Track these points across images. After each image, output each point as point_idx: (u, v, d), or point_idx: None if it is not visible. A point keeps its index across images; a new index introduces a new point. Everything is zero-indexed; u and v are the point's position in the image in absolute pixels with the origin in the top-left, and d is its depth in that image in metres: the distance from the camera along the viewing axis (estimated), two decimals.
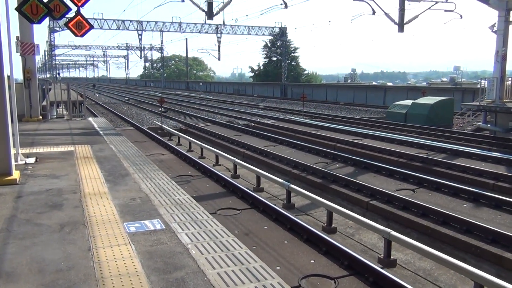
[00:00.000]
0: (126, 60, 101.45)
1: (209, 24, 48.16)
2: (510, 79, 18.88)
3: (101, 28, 45.63)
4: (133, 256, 3.78)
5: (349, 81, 68.42)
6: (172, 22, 48.20)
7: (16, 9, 7.48)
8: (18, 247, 3.96)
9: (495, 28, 17.59)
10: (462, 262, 4.89)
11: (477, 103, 18.38)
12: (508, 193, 8.63)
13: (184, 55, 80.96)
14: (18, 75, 16.11)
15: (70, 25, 8.95)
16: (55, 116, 16.05)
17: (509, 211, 7.45)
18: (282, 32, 51.26)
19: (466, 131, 18.00)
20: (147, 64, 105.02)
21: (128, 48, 77.19)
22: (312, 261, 5.47)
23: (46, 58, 71.93)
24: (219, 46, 52.57)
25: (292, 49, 62.22)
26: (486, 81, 19.15)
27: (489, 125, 17.97)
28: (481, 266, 5.76)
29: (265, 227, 6.72)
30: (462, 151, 12.27)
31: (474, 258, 6.12)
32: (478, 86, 22.10)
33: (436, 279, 5.60)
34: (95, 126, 13.53)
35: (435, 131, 16.83)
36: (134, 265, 3.61)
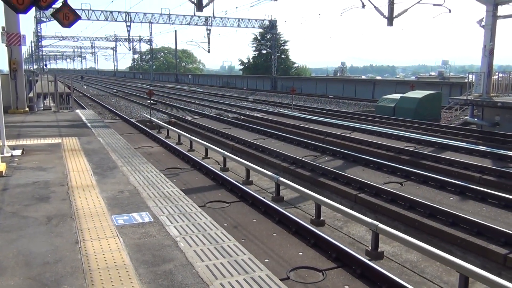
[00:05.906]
0: (114, 52, 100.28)
1: (199, 16, 47.84)
2: (497, 73, 19.08)
3: (88, 19, 45.02)
4: (121, 249, 3.77)
5: (338, 74, 68.53)
6: (161, 14, 47.74)
7: None
8: (4, 240, 3.92)
9: (483, 23, 17.74)
10: (448, 254, 4.96)
11: (465, 97, 18.57)
12: (494, 186, 8.76)
13: (174, 47, 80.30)
14: (4, 66, 15.82)
15: (57, 15, 8.82)
16: (42, 108, 15.84)
17: (494, 204, 7.56)
18: (272, 25, 51.09)
19: (453, 125, 18.18)
20: (136, 56, 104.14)
21: (116, 39, 76.41)
22: (301, 253, 5.50)
23: (33, 49, 70.84)
24: (208, 39, 52.33)
25: (282, 42, 62.06)
26: (473, 76, 19.37)
27: (476, 119, 18.16)
28: (466, 258, 5.86)
29: (254, 220, 6.74)
30: (449, 144, 12.41)
31: (460, 250, 6.22)
32: (466, 80, 22.30)
33: (423, 270, 5.67)
34: (83, 118, 13.39)
35: (423, 124, 16.96)
36: (122, 258, 3.59)
